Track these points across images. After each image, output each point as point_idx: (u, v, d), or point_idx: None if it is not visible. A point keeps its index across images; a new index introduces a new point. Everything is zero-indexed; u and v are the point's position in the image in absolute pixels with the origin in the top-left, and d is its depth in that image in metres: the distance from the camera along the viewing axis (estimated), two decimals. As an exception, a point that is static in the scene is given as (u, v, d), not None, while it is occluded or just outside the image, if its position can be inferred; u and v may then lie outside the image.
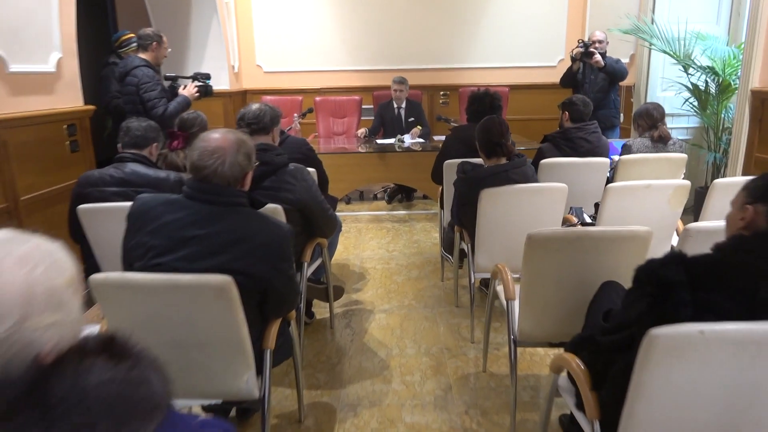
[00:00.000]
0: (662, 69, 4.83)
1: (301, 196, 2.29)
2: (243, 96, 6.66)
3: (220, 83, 6.14)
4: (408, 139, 5.09)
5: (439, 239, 3.96)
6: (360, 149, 5.07)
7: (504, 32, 6.47)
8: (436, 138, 5.30)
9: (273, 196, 2.23)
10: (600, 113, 4.38)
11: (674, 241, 2.71)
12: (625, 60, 5.08)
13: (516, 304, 2.01)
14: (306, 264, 2.49)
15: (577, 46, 4.52)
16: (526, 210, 2.48)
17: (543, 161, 3.14)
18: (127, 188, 2.38)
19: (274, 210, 2.21)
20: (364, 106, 6.05)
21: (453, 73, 6.60)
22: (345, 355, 2.66)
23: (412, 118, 5.43)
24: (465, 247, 2.77)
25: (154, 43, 3.58)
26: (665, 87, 4.80)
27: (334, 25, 6.48)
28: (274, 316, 1.79)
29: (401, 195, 5.66)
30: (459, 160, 3.11)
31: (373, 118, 5.64)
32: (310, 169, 2.84)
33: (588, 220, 2.78)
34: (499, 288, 2.21)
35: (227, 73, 6.14)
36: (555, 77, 6.56)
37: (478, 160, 2.66)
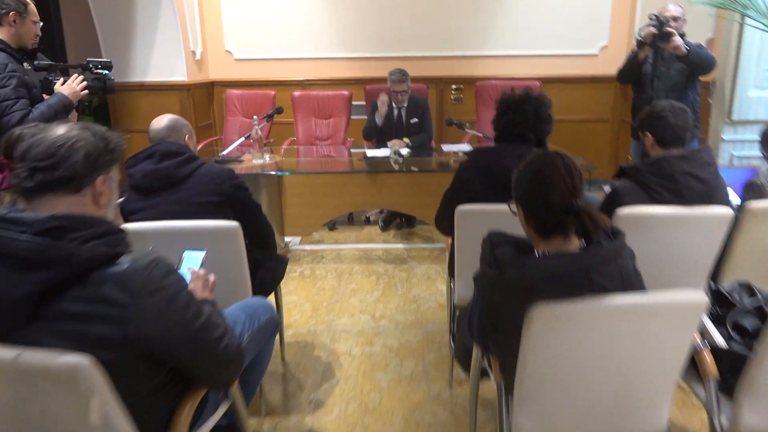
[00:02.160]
0: (757, 57, 3.51)
1: (141, 330, 1.05)
2: (208, 88, 5.42)
3: (174, 73, 4.90)
4: (407, 151, 3.83)
5: (447, 317, 2.73)
6: (346, 165, 3.83)
7: (532, 12, 5.15)
8: (445, 148, 4.03)
9: (73, 334, 1.01)
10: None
11: None
12: (700, 46, 3.77)
13: None
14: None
15: (648, 24, 3.21)
16: (622, 344, 1.22)
17: (622, 212, 1.88)
18: None
19: (73, 369, 0.99)
20: (354, 103, 4.78)
21: (468, 62, 5.30)
22: None
23: (416, 120, 4.16)
24: (492, 379, 1.53)
25: (12, 13, 2.33)
26: (763, 83, 3.48)
27: (319, 2, 5.20)
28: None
29: (400, 219, 4.41)
30: (481, 208, 1.88)
31: (365, 117, 4.38)
32: (231, 225, 1.62)
33: (720, 340, 1.52)
34: None
35: (184, 61, 4.89)
36: (596, 68, 5.26)
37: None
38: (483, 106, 4.60)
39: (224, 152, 3.53)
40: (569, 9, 5.14)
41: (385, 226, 4.34)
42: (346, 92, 4.64)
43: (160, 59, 4.88)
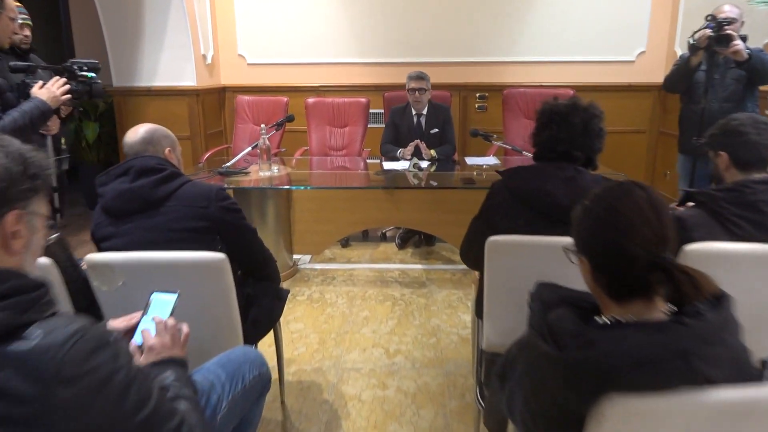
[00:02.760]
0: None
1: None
2: (220, 94, 5.17)
3: (183, 78, 4.65)
4: (427, 164, 3.51)
5: (472, 358, 2.39)
6: (361, 179, 3.53)
7: (563, 15, 4.80)
8: (469, 161, 3.70)
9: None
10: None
11: None
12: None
13: None
14: None
15: (704, 26, 2.84)
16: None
17: (690, 249, 1.53)
18: None
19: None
20: (372, 111, 4.48)
21: (493, 68, 4.96)
22: None
23: (436, 129, 3.83)
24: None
25: (-16, 8, 2.08)
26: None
27: (336, 5, 4.93)
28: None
29: (419, 237, 4.08)
30: (517, 240, 1.58)
31: (383, 126, 4.07)
32: (216, 257, 1.35)
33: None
34: None
35: (193, 66, 4.64)
36: (632, 76, 4.89)
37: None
38: (511, 116, 4.26)
39: (229, 163, 3.25)
40: (604, 12, 4.78)
41: (402, 244, 4.02)
42: (363, 100, 4.35)
43: (169, 63, 4.64)
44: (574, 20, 4.80)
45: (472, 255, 1.84)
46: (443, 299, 3.15)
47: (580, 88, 4.45)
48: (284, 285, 3.35)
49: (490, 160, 3.71)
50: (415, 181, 3.28)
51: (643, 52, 4.85)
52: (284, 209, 3.41)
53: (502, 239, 1.65)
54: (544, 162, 1.73)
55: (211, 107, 5.01)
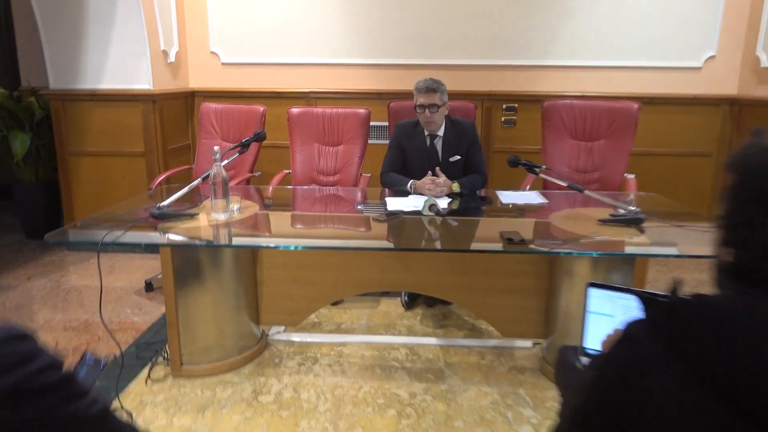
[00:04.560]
0: None
1: None
2: (187, 100, 4.22)
3: (136, 80, 3.71)
4: (445, 203, 2.55)
5: None
6: (356, 225, 2.57)
7: (612, 9, 3.86)
8: (504, 198, 2.73)
9: None
10: None
11: None
12: None
13: None
14: None
15: None
16: None
17: None
18: None
19: None
20: (373, 124, 3.54)
21: (526, 74, 4.02)
22: None
23: (458, 157, 2.88)
24: None
25: None
26: None
27: (332, -10, 3.99)
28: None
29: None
30: None
31: (386, 143, 3.12)
32: None
33: None
34: None
35: (149, 64, 3.69)
36: (698, 85, 3.92)
37: None
38: (552, 135, 3.30)
39: (167, 200, 2.29)
40: (663, 5, 3.83)
41: (411, 303, 3.05)
42: (362, 110, 3.39)
43: (119, 61, 3.69)
44: (625, 16, 3.86)
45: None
46: (471, 405, 2.18)
47: (629, 99, 3.50)
48: (246, 368, 2.39)
49: (533, 197, 2.75)
50: (433, 232, 2.32)
51: (712, 57, 3.89)
52: (248, 265, 2.45)
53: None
54: (753, 293, 0.76)
55: (175, 116, 4.06)
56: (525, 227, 2.38)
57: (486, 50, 3.98)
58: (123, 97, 3.74)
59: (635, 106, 3.14)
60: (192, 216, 2.29)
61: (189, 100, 4.23)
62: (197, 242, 2.21)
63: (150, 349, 2.58)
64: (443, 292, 2.49)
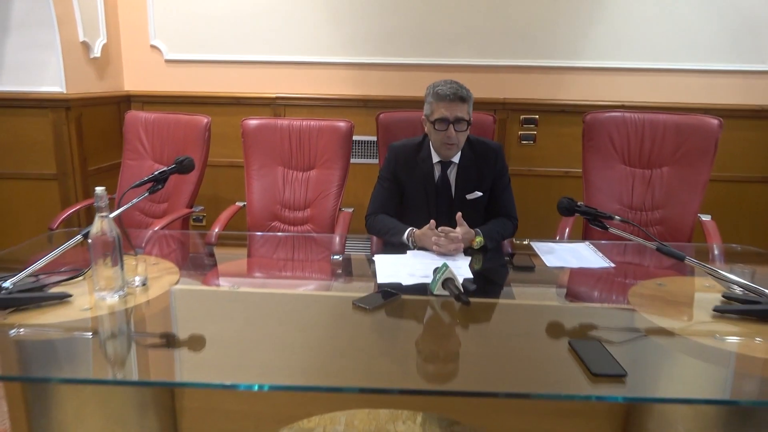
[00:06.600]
0: None
1: None
2: (120, 106, 3.32)
3: (43, 80, 2.82)
4: (466, 271, 1.70)
5: None
6: (331, 307, 1.71)
7: (656, 2, 3.08)
8: (547, 260, 1.89)
9: None
10: None
11: None
12: None
13: None
14: None
15: None
16: None
17: None
18: None
19: None
20: (357, 138, 2.71)
21: (548, 77, 3.21)
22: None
23: (479, 193, 2.03)
24: None
25: None
26: None
27: (305, -31, 3.14)
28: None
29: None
30: None
31: (376, 163, 2.27)
32: None
33: None
34: None
35: (60, 60, 2.80)
36: (764, 96, 3.17)
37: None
38: (597, 158, 2.47)
39: (19, 275, 1.40)
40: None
41: None
42: (342, 123, 2.54)
43: (18, 56, 2.80)
44: (670, 8, 3.07)
45: None
46: None
47: (679, 111, 2.68)
48: None
49: (587, 255, 1.91)
50: (455, 333, 1.46)
51: (783, 59, 3.12)
52: (165, 397, 1.56)
53: None
54: None
55: (101, 128, 3.16)
56: (599, 318, 1.53)
57: (500, 47, 3.16)
58: (25, 103, 2.83)
59: (715, 122, 2.33)
60: (64, 300, 1.41)
61: (123, 106, 3.33)
62: (51, 376, 1.27)
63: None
64: (458, 411, 1.63)
